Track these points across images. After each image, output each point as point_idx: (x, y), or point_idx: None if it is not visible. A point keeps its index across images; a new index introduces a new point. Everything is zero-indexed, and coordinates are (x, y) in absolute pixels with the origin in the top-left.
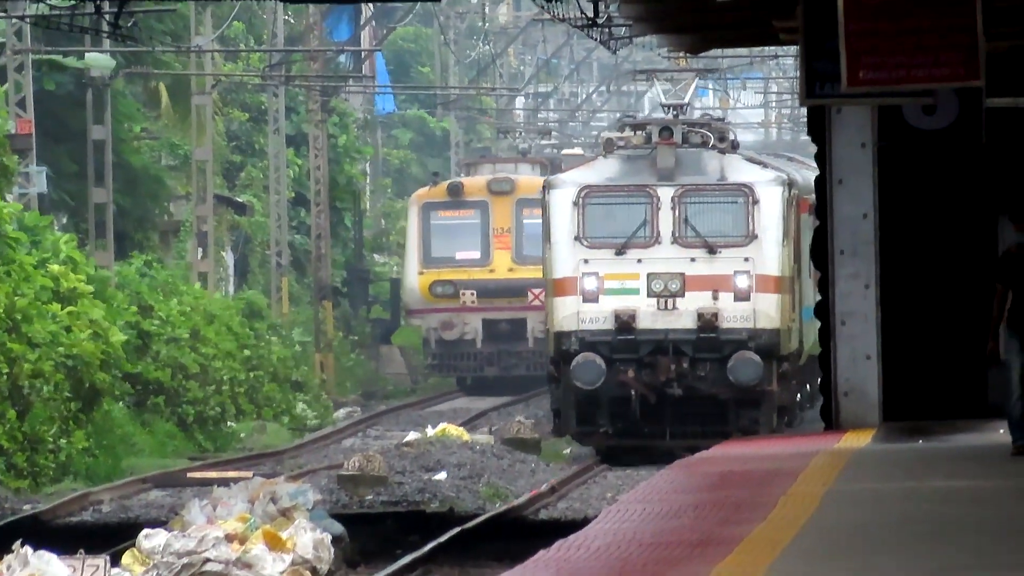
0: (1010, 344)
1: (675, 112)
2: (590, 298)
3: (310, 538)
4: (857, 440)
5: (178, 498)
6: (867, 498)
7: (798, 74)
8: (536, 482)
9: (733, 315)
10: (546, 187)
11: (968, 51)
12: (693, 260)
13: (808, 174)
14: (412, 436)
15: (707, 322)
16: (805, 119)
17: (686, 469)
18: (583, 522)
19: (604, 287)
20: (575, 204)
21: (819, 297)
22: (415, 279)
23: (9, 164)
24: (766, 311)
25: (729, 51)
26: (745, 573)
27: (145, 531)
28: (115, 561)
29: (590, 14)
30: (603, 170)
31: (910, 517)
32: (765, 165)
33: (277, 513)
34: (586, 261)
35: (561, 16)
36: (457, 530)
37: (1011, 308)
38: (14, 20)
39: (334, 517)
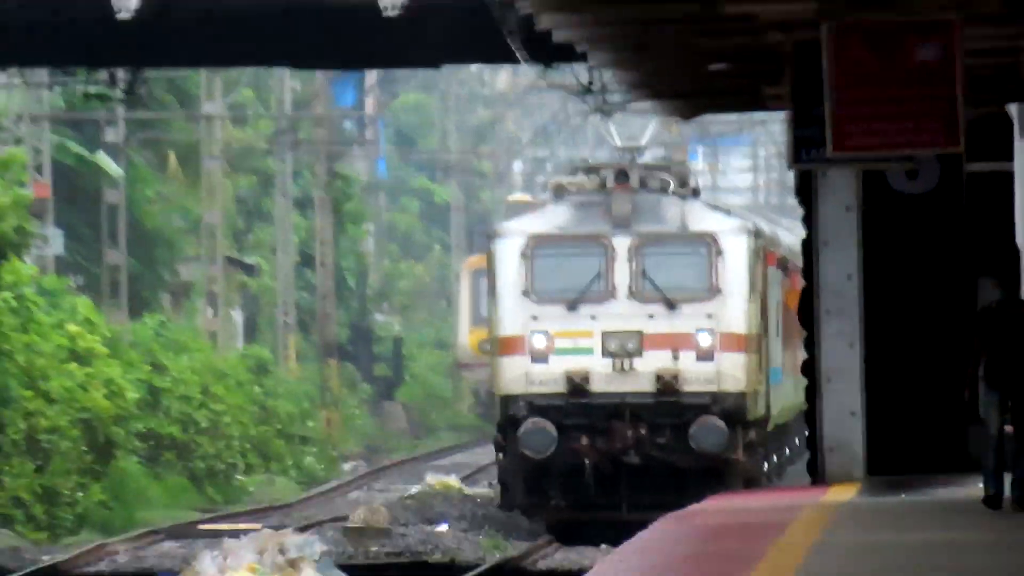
0: (989, 398)
1: (631, 155)
2: (539, 358)
3: None
4: (842, 494)
5: (190, 549)
6: (852, 549)
7: (786, 139)
8: (534, 531)
9: (695, 377)
10: (491, 237)
11: (948, 119)
12: (651, 316)
13: (778, 228)
14: (415, 489)
15: (667, 384)
16: (792, 183)
17: (679, 521)
18: (579, 572)
19: (555, 346)
20: (523, 255)
21: (802, 356)
22: (466, 337)
23: (28, 227)
24: (731, 372)
25: (719, 117)
26: None
27: None
28: None
29: (585, 81)
30: (553, 218)
31: (893, 568)
32: (729, 212)
33: (285, 564)
34: (535, 318)
35: (557, 84)
36: None
37: (987, 364)
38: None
39: (340, 568)
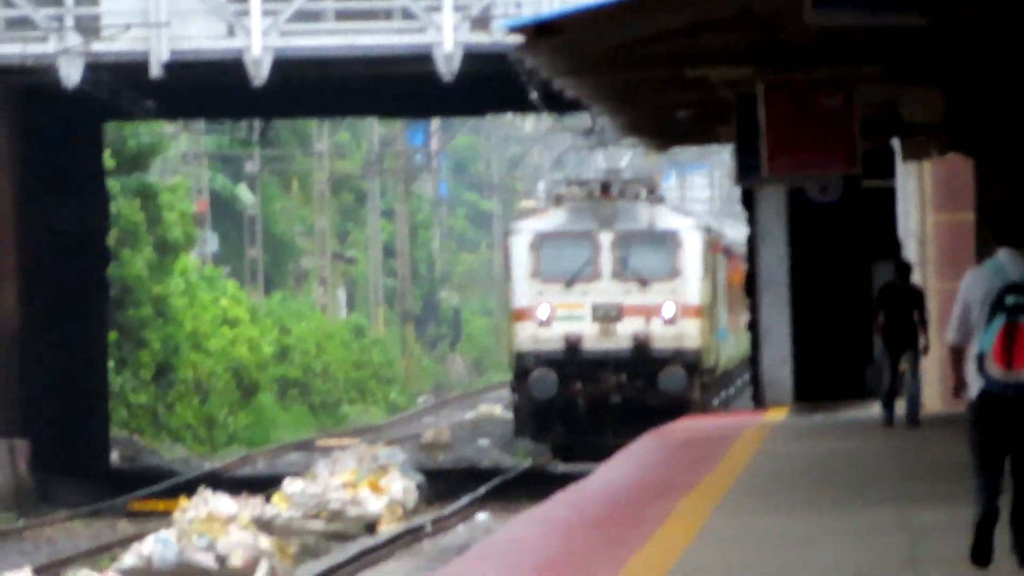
0: (884, 352)
1: (613, 172)
2: (544, 324)
3: (400, 485)
4: (776, 415)
5: (310, 459)
6: (784, 454)
7: (734, 164)
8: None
9: (662, 337)
10: (507, 233)
11: (848, 149)
12: (629, 292)
13: (726, 227)
14: (469, 416)
15: (641, 343)
16: (739, 195)
17: (658, 436)
18: (587, 473)
19: (556, 315)
20: (531, 247)
21: (743, 319)
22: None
23: (191, 232)
24: (689, 333)
25: (685, 149)
26: (699, 505)
27: (287, 481)
28: (267, 501)
29: (588, 124)
30: (554, 219)
31: (812, 466)
32: (688, 215)
33: (377, 468)
34: (541, 293)
35: (568, 126)
36: (500, 479)
37: (885, 324)
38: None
39: (416, 471)
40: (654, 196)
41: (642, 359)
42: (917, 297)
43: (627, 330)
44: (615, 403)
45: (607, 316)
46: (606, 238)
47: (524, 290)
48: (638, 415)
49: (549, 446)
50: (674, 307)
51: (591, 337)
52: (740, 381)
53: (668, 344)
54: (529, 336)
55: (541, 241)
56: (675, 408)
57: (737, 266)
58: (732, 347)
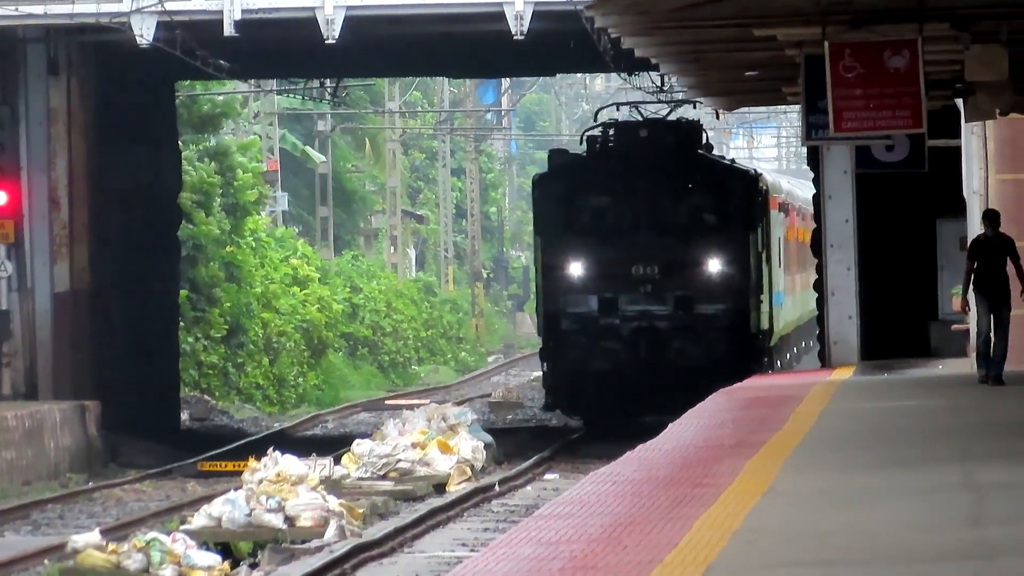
0: (980, 302)
1: (653, 116)
2: (576, 282)
3: (469, 445)
4: (843, 374)
5: (379, 418)
6: (850, 413)
7: (800, 124)
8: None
9: (706, 297)
10: (535, 182)
11: (914, 109)
12: (669, 247)
13: (781, 180)
14: (538, 374)
15: (683, 304)
16: (806, 155)
17: (726, 395)
18: (656, 432)
19: (589, 272)
20: (562, 198)
21: (800, 280)
22: None
23: (263, 191)
24: (737, 293)
25: (753, 108)
26: (766, 465)
27: (357, 441)
28: (336, 461)
29: (659, 84)
30: (588, 167)
31: (878, 425)
32: (733, 162)
33: (447, 428)
34: (572, 248)
35: (638, 86)
36: (569, 438)
37: (976, 277)
38: (267, 93)
39: (486, 430)
40: (698, 143)
41: (684, 321)
42: (1009, 246)
43: (668, 290)
44: (655, 370)
45: (646, 275)
46: (645, 188)
47: (554, 245)
48: (680, 383)
49: (582, 420)
50: (719, 264)
51: (629, 298)
52: (797, 348)
53: (712, 305)
54: (560, 296)
55: (573, 191)
56: (721, 374)
57: (795, 222)
58: (789, 310)
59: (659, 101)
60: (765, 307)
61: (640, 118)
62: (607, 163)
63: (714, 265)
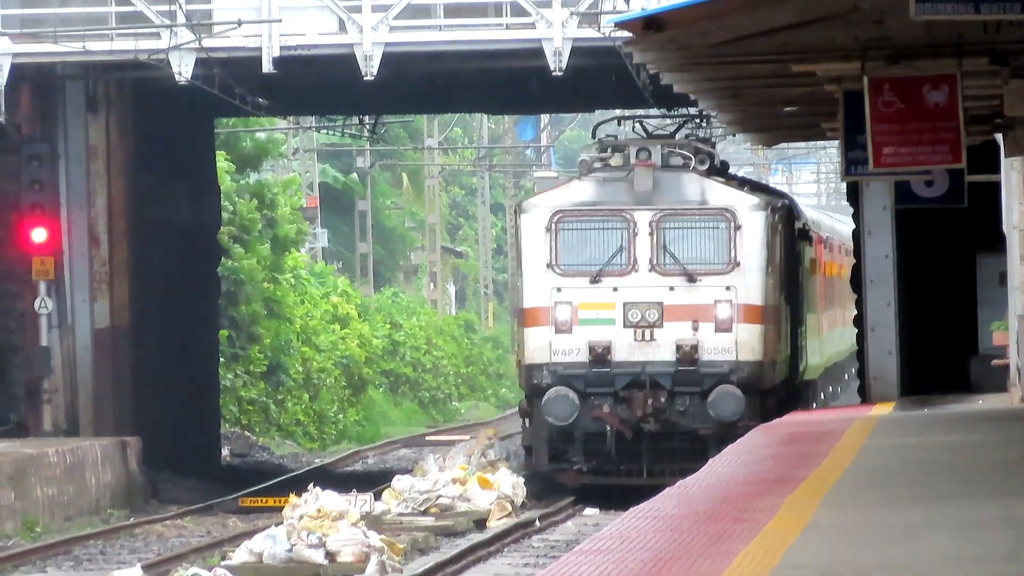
0: None
1: (656, 134)
2: (563, 329)
3: (509, 480)
4: (882, 410)
5: (419, 454)
6: (890, 448)
7: (839, 159)
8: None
9: (714, 347)
10: (517, 211)
11: (953, 143)
12: (672, 289)
13: (831, 218)
14: None
15: (686, 354)
16: (845, 190)
17: (766, 431)
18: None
19: (578, 317)
20: (547, 229)
21: (827, 317)
22: None
23: (303, 228)
24: (748, 342)
25: (792, 144)
26: (807, 501)
27: (397, 477)
28: (377, 497)
29: (698, 120)
30: (578, 193)
31: (917, 460)
32: (750, 189)
33: (487, 463)
34: (559, 290)
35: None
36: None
37: None
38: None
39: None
40: (707, 165)
41: (688, 375)
42: None
43: (669, 338)
44: (653, 431)
45: (643, 320)
46: (643, 218)
47: (537, 286)
48: (682, 446)
49: (569, 487)
50: (730, 308)
51: (623, 346)
52: (823, 393)
53: (721, 356)
54: (543, 345)
55: (560, 221)
56: (730, 438)
57: (821, 252)
58: (816, 353)
59: (665, 116)
60: (782, 355)
61: (644, 134)
62: (600, 188)
63: (724, 310)
